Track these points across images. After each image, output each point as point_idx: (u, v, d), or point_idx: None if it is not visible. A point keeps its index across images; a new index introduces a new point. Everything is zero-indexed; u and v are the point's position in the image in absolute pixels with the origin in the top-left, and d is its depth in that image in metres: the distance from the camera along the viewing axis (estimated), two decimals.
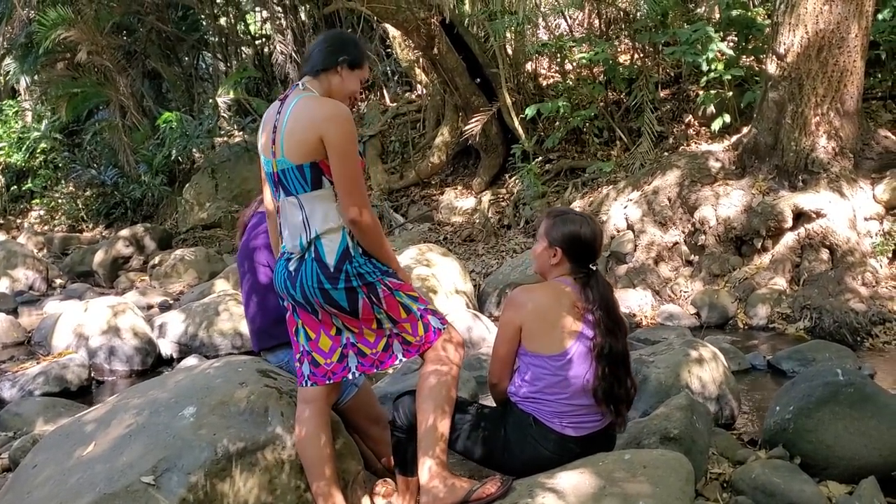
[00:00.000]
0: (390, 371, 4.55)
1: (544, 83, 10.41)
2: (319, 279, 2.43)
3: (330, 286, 2.43)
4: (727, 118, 7.47)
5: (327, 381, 2.55)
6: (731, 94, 7.68)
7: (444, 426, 2.51)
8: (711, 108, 7.79)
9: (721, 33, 7.89)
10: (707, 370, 3.76)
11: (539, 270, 2.76)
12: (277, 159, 2.46)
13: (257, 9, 15.57)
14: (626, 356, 2.61)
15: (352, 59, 2.58)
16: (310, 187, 2.44)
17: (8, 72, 14.51)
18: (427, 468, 2.46)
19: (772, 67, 6.40)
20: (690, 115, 8.58)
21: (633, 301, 6.36)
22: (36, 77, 14.67)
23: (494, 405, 2.78)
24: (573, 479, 2.35)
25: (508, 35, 9.43)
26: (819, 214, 5.90)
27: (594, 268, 2.64)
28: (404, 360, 2.59)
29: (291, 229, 2.51)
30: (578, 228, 2.63)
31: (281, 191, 2.50)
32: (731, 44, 8.27)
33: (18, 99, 16.02)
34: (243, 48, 15.46)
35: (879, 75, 7.62)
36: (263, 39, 15.57)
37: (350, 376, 2.57)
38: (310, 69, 2.56)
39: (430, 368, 2.54)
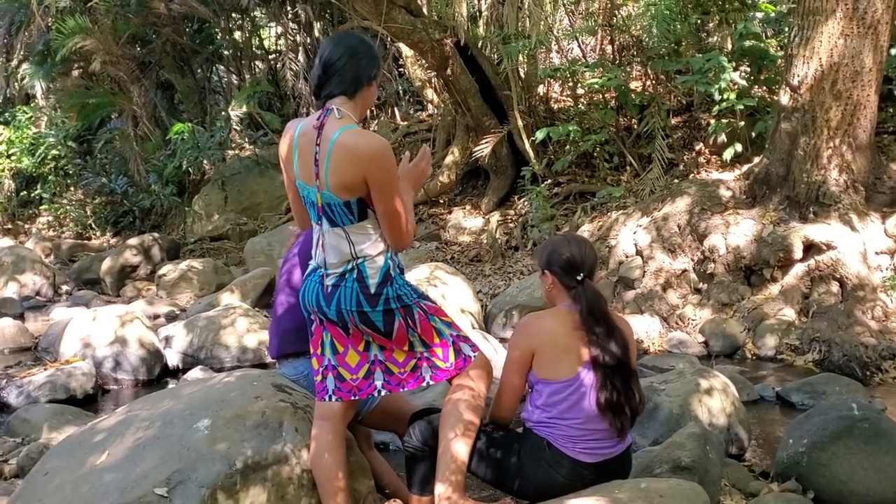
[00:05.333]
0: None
1: (556, 107, 10.45)
2: (359, 302, 2.43)
3: (369, 309, 2.44)
4: (738, 147, 7.49)
5: (352, 398, 2.55)
6: (742, 123, 7.71)
7: (464, 452, 2.51)
8: (723, 137, 7.82)
9: (734, 63, 7.93)
10: (718, 400, 3.75)
11: (547, 300, 2.77)
12: (322, 192, 2.41)
13: (272, 24, 15.71)
14: (627, 366, 2.54)
15: (378, 67, 2.55)
16: (356, 219, 2.43)
17: (24, 77, 14.60)
18: (439, 494, 2.47)
19: (785, 98, 6.43)
20: (701, 144, 8.60)
21: (641, 327, 6.34)
22: (51, 84, 14.77)
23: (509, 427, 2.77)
24: None
25: (521, 58, 9.49)
26: (829, 247, 5.90)
27: (580, 278, 2.60)
28: (432, 383, 2.58)
29: (334, 252, 2.48)
30: (558, 247, 2.65)
31: (325, 221, 2.47)
32: (744, 74, 8.31)
33: (33, 105, 16.11)
34: (257, 63, 15.57)
35: (892, 110, 7.64)
36: (277, 55, 15.68)
37: (375, 394, 2.57)
38: (349, 88, 2.42)
39: (457, 395, 2.54)
